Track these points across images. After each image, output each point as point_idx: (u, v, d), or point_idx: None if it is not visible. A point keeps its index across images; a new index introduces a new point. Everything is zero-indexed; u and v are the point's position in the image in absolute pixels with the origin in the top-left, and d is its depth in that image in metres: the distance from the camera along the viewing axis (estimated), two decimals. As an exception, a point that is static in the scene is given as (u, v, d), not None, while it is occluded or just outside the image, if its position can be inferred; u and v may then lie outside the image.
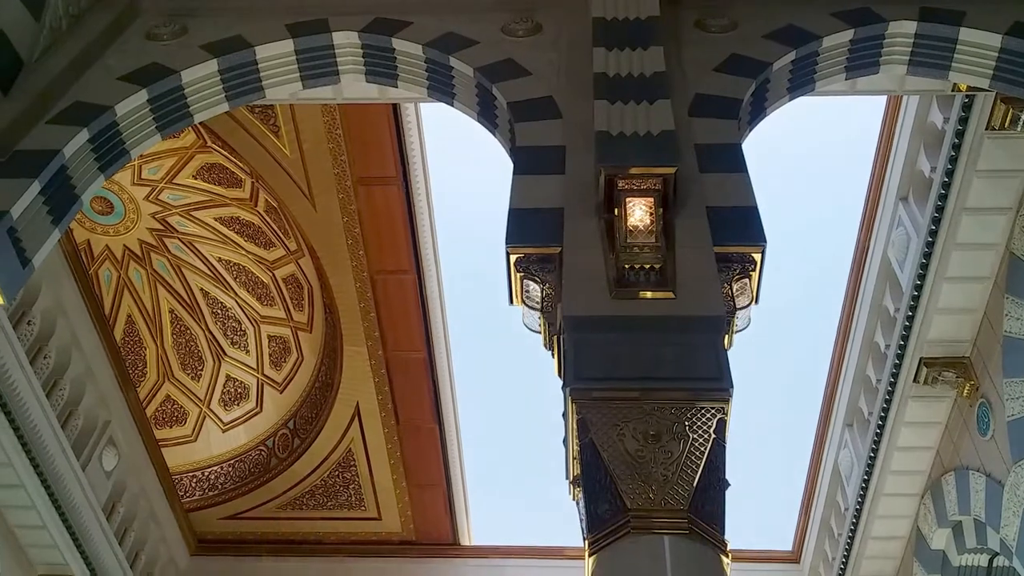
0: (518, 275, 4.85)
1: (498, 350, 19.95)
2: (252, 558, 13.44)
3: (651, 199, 4.79)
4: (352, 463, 12.98)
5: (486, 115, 6.29)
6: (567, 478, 4.60)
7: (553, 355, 4.83)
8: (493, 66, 6.23)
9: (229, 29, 6.62)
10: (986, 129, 8.23)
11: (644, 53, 5.83)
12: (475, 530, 13.89)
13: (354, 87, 7.50)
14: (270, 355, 13.00)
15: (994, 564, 10.00)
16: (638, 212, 4.78)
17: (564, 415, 4.45)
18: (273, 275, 12.35)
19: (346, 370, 12.07)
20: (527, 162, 5.46)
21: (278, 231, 11.82)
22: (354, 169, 10.33)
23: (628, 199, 4.80)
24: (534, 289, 4.85)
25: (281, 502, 13.40)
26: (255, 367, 13.11)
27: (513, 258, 4.85)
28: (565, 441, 4.52)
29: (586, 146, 5.26)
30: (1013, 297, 8.72)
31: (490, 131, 6.31)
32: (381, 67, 6.64)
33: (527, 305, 4.89)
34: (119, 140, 6.11)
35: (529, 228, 4.96)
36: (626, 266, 4.69)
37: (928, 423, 10.30)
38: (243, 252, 12.23)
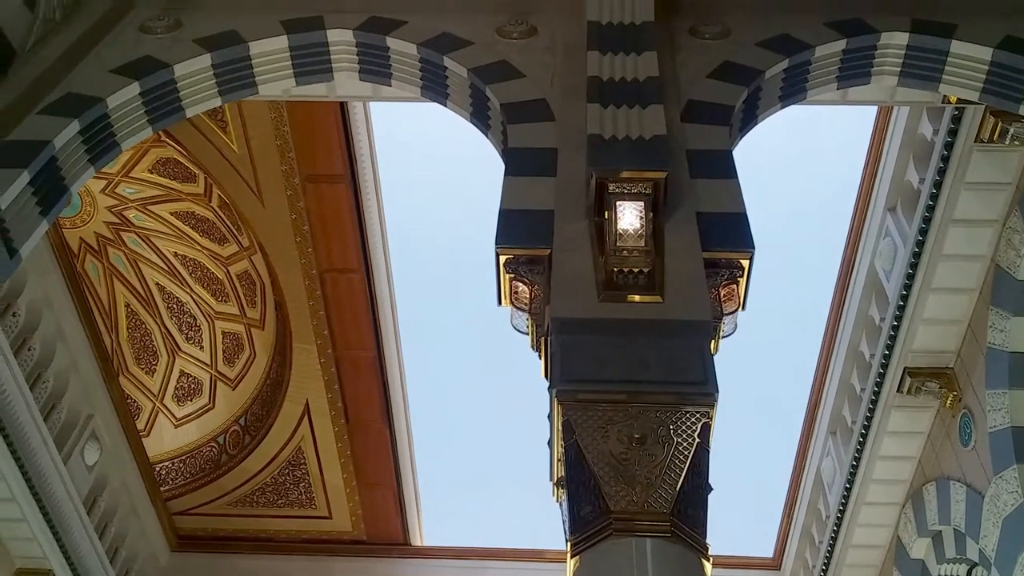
0: (507, 276, 4.86)
1: (455, 349, 20.08)
2: (232, 555, 13.39)
3: (641, 203, 4.81)
4: (302, 461, 12.92)
5: (479, 116, 6.30)
6: (551, 479, 4.61)
7: (540, 356, 4.84)
8: (487, 67, 6.25)
9: (223, 24, 6.61)
10: (975, 141, 8.28)
11: (638, 58, 5.86)
12: (429, 531, 13.87)
13: (347, 85, 7.50)
14: (224, 351, 12.94)
15: (973, 575, 10.07)
16: (628, 216, 4.80)
17: (549, 416, 4.46)
18: (227, 271, 12.29)
19: (296, 368, 12.01)
20: (519, 164, 5.47)
21: (231, 227, 11.74)
22: (302, 166, 10.24)
23: (618, 202, 4.81)
24: (523, 290, 4.87)
25: (231, 499, 13.31)
26: (209, 363, 13.04)
27: (502, 259, 4.86)
28: (550, 443, 4.54)
29: (578, 149, 5.29)
30: (997, 309, 8.79)
31: (483, 132, 6.32)
32: (375, 66, 6.65)
33: (515, 306, 4.90)
34: (110, 132, 6.10)
35: (519, 229, 4.97)
36: (615, 269, 4.72)
37: (911, 433, 10.35)
38: (198, 247, 12.16)
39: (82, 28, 6.53)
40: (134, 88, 6.15)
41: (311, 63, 6.66)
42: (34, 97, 5.92)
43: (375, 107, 10.20)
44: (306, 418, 12.46)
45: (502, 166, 5.66)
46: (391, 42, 6.52)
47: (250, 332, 12.63)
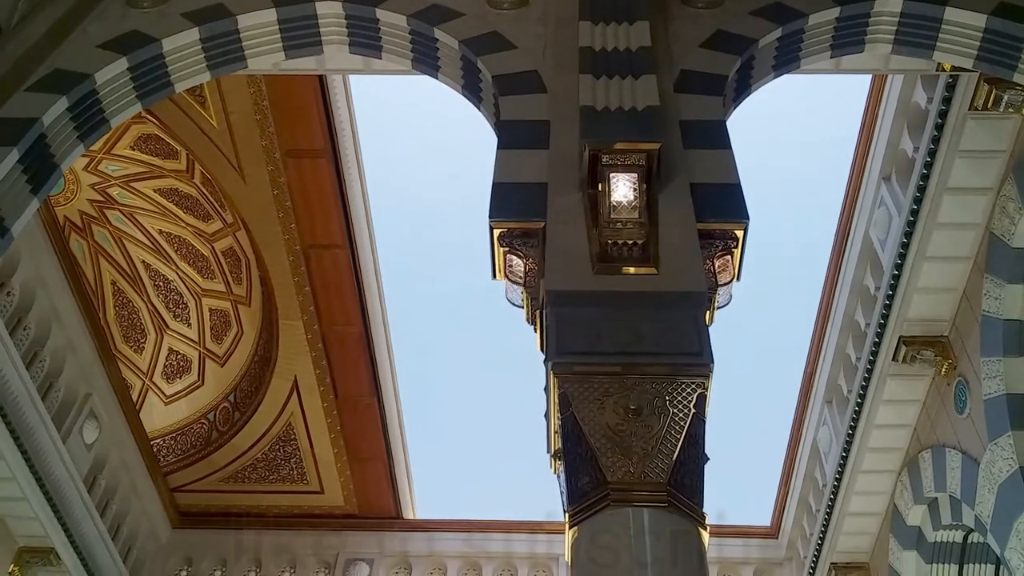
0: (501, 249, 4.85)
1: (443, 323, 20.11)
2: (234, 531, 13.40)
3: (635, 175, 4.79)
4: (293, 437, 12.95)
5: (471, 88, 6.25)
6: (548, 451, 4.63)
7: (535, 330, 4.83)
8: (478, 39, 6.20)
9: (212, -3, 6.53)
10: (969, 109, 8.25)
11: (630, 28, 5.81)
12: (421, 505, 13.96)
13: (337, 58, 7.43)
14: (211, 328, 12.92)
15: (969, 540, 10.15)
16: (622, 187, 4.78)
17: (546, 389, 4.47)
18: (212, 248, 12.23)
19: (283, 344, 12.00)
20: (511, 136, 5.44)
21: (215, 203, 11.67)
22: (282, 141, 10.13)
23: (612, 174, 4.79)
24: (517, 264, 4.86)
25: (223, 475, 13.35)
26: (197, 340, 13.04)
27: (496, 232, 4.85)
28: (546, 415, 4.55)
29: (571, 121, 5.25)
30: (992, 277, 8.80)
31: (475, 105, 6.27)
32: (365, 38, 6.58)
33: (510, 279, 4.89)
34: (99, 109, 6.05)
35: (512, 203, 4.95)
36: (609, 241, 4.70)
37: (906, 401, 10.40)
38: (183, 224, 12.11)
39: (67, 3, 6.46)
40: (122, 63, 6.09)
41: (300, 36, 6.59)
42: (21, 74, 5.87)
43: (355, 79, 10.06)
44: (295, 394, 12.48)
45: (488, 136, 5.62)
46: (381, 14, 6.45)
47: (237, 309, 12.61)
